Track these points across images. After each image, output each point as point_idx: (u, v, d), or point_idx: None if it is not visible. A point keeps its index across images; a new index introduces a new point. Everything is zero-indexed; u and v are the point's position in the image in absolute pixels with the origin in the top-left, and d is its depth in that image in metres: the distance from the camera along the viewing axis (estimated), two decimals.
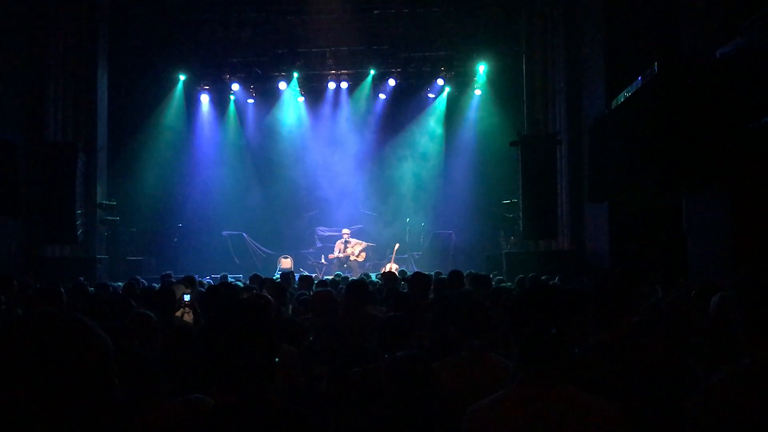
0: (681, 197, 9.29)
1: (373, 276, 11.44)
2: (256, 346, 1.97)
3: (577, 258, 13.07)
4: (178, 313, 5.84)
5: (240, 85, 18.51)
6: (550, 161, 13.75)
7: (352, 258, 17.13)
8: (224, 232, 18.17)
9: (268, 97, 19.04)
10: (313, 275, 14.27)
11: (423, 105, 19.00)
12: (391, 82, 18.23)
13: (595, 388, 2.24)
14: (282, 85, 18.51)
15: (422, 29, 16.37)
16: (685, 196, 9.17)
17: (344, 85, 18.66)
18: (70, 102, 14.36)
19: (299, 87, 18.77)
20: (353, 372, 3.51)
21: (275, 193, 18.68)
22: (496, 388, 2.31)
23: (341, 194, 18.61)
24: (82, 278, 10.12)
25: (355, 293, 5.32)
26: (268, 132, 19.15)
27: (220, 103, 19.16)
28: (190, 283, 7.54)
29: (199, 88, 18.72)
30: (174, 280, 8.90)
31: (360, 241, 17.58)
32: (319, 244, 18.48)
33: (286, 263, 17.12)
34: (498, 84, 17.65)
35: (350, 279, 9.23)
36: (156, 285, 8.45)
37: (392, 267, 15.82)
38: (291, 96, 18.91)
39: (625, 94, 9.60)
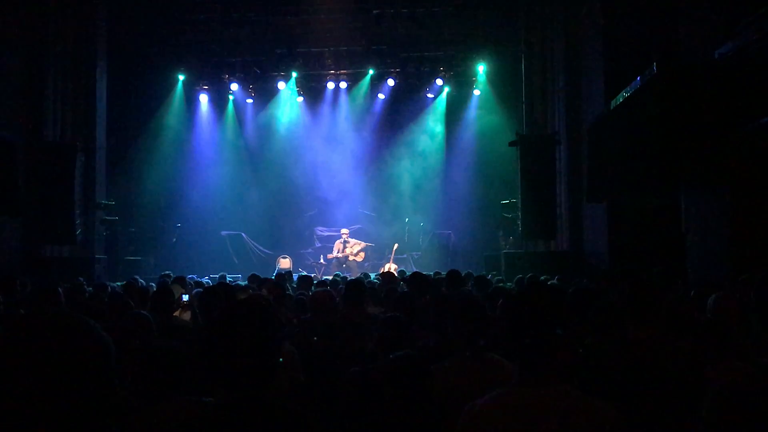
0: (679, 197, 9.30)
1: (372, 276, 11.44)
2: (255, 346, 1.98)
3: (575, 258, 13.08)
4: (177, 313, 5.85)
5: (239, 84, 18.50)
6: (549, 161, 13.76)
7: (351, 258, 17.13)
8: (223, 232, 18.16)
9: (267, 96, 19.04)
10: (312, 275, 14.30)
11: (422, 105, 18.99)
12: (390, 82, 18.22)
13: (628, 384, 2.26)
14: (281, 84, 18.51)
15: (421, 29, 16.37)
16: (683, 197, 9.18)
17: (343, 84, 18.65)
18: (69, 102, 14.37)
19: (298, 87, 18.77)
20: (352, 372, 3.52)
21: (274, 192, 18.68)
22: (492, 388, 2.32)
23: (340, 194, 18.60)
24: (81, 278, 10.12)
25: (353, 293, 5.33)
26: (267, 132, 19.14)
27: (219, 103, 19.15)
28: (182, 283, 7.54)
29: (198, 87, 18.71)
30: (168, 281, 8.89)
31: (359, 241, 17.58)
32: (318, 244, 18.47)
33: (284, 263, 17.11)
34: (497, 84, 17.66)
35: (348, 279, 9.23)
36: (153, 285, 8.46)
37: (391, 267, 15.82)
38: (290, 96, 18.91)
39: (624, 95, 9.61)
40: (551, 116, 14.43)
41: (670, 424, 2.97)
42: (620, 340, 3.36)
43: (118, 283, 9.98)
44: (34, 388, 1.30)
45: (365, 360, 3.74)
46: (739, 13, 7.42)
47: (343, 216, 18.43)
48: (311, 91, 19.06)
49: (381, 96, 18.77)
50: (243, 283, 8.61)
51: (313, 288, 7.58)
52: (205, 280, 11.42)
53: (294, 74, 18.18)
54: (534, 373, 2.13)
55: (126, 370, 3.14)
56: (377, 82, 18.50)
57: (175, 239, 16.91)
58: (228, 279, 11.52)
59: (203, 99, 18.94)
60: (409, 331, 4.19)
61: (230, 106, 19.26)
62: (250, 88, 18.81)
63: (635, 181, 9.50)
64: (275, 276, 9.80)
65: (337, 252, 17.26)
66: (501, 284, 8.70)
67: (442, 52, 17.50)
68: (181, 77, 18.15)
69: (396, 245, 17.06)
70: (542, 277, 9.09)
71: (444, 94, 18.92)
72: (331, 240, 17.95)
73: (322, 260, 17.58)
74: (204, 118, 19.12)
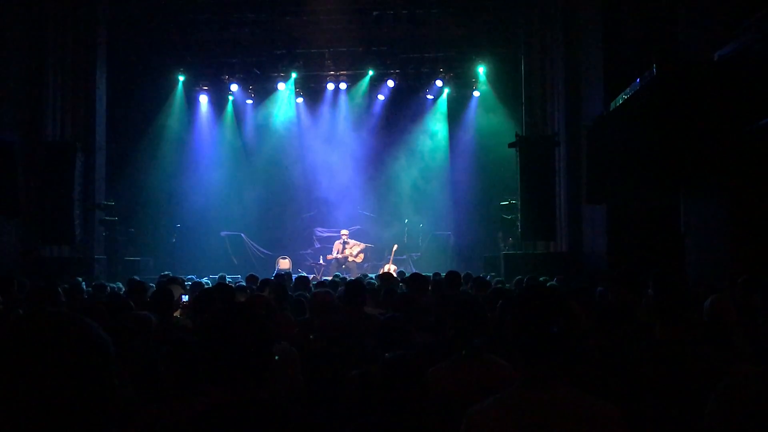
0: (679, 199, 9.30)
1: (371, 276, 11.43)
2: (246, 346, 2.01)
3: (575, 259, 13.08)
4: (177, 314, 5.85)
5: (239, 85, 18.51)
6: (549, 162, 13.76)
7: (350, 259, 17.13)
8: (223, 233, 18.17)
9: (267, 97, 19.06)
10: (311, 276, 14.30)
11: (422, 106, 19.02)
12: (390, 83, 18.24)
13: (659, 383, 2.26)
14: (281, 85, 18.52)
15: (421, 30, 16.38)
16: (682, 198, 9.19)
17: (343, 85, 18.68)
18: (68, 102, 14.37)
19: (298, 88, 18.80)
20: (353, 375, 3.52)
21: (274, 193, 18.70)
22: (493, 390, 2.32)
23: (340, 195, 18.61)
24: (79, 278, 10.12)
25: (353, 294, 5.33)
26: (266, 132, 19.15)
27: (218, 103, 19.17)
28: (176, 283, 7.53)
29: (197, 88, 18.73)
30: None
31: (358, 242, 17.58)
32: (317, 245, 18.48)
33: (284, 264, 17.11)
34: (496, 85, 17.69)
35: (348, 279, 9.23)
36: (152, 285, 8.45)
37: (391, 268, 15.82)
38: (289, 97, 18.92)
39: (623, 96, 9.61)
40: (551, 117, 14.44)
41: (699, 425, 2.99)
42: (648, 340, 3.39)
43: (119, 284, 9.99)
44: (33, 388, 1.30)
45: (365, 361, 3.73)
46: (739, 15, 7.43)
47: (342, 217, 18.44)
48: (311, 92, 19.09)
49: (380, 97, 18.80)
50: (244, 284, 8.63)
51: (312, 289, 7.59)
52: (205, 280, 11.42)
53: (294, 75, 18.20)
54: (538, 375, 2.13)
55: (125, 370, 3.15)
56: (377, 83, 18.53)
57: (174, 239, 16.90)
58: (228, 279, 11.52)
59: (203, 99, 18.96)
60: (408, 331, 4.20)
61: (230, 106, 19.28)
62: (250, 89, 18.82)
63: (635, 183, 9.50)
64: (275, 276, 9.80)
65: (337, 253, 17.26)
66: (500, 285, 8.70)
67: (441, 54, 17.51)
68: (181, 78, 18.17)
69: (395, 246, 17.06)
70: (541, 278, 9.09)
71: (443, 96, 18.94)
72: (331, 241, 17.95)
73: (321, 261, 17.58)
74: (204, 118, 19.14)
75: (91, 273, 12.99)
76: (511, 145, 14.23)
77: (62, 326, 1.39)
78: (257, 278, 9.27)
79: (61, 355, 1.34)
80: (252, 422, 1.93)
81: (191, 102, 18.83)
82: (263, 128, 19.19)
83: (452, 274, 7.47)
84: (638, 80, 8.86)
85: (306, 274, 12.23)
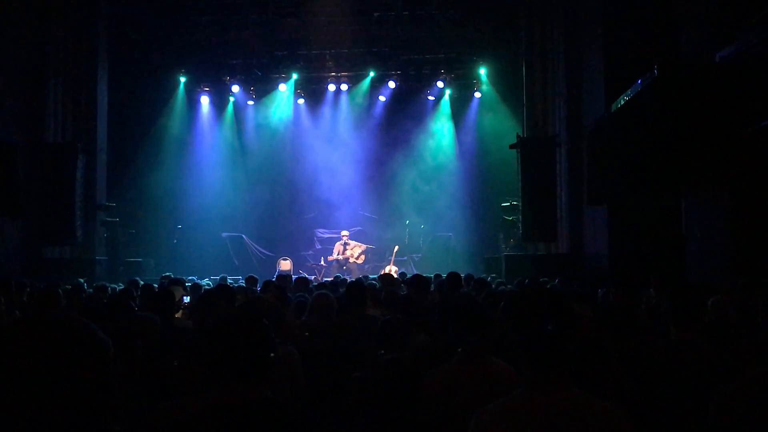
0: (680, 200, 9.30)
1: (372, 278, 11.43)
2: (253, 348, 2.02)
3: (576, 260, 13.07)
4: (178, 315, 5.86)
5: (240, 86, 18.53)
6: (550, 164, 13.76)
7: (351, 260, 17.12)
8: (223, 234, 18.18)
9: (268, 98, 19.06)
10: (312, 277, 14.31)
11: (423, 107, 19.02)
12: (391, 84, 18.25)
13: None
14: (282, 86, 18.53)
15: (422, 32, 16.40)
16: (684, 200, 9.18)
17: (344, 87, 18.68)
18: (70, 103, 14.39)
19: (299, 89, 18.81)
20: (354, 376, 3.53)
21: (275, 194, 18.70)
22: (494, 391, 2.32)
23: (341, 196, 18.60)
24: (81, 279, 10.13)
25: (354, 295, 5.34)
26: (267, 134, 19.16)
27: (219, 104, 19.18)
28: (179, 285, 7.54)
29: (199, 89, 18.74)
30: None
31: (359, 243, 17.57)
32: (318, 246, 18.48)
33: (285, 265, 17.11)
34: (498, 87, 17.70)
35: (349, 281, 9.23)
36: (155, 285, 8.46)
37: (392, 269, 15.82)
38: (291, 98, 18.93)
39: (624, 98, 9.61)
40: (552, 119, 14.44)
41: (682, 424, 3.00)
42: (664, 342, 3.41)
43: (121, 284, 10.00)
44: (33, 389, 1.31)
45: (365, 361, 3.74)
46: (740, 17, 7.43)
47: (343, 218, 18.43)
48: (312, 93, 19.09)
49: (381, 98, 18.80)
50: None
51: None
52: (206, 281, 11.43)
53: (295, 76, 18.21)
54: (544, 378, 2.13)
55: (129, 370, 3.15)
56: (378, 85, 18.54)
57: (175, 241, 16.92)
58: (228, 280, 11.53)
59: (204, 101, 18.97)
60: (407, 332, 4.20)
61: (231, 108, 19.28)
62: (251, 90, 18.84)
63: (636, 184, 9.49)
64: (276, 278, 9.81)
65: (338, 254, 17.26)
66: (502, 287, 8.70)
67: (442, 55, 17.52)
68: (182, 79, 18.19)
69: (396, 247, 17.06)
70: (541, 280, 9.08)
71: (445, 97, 18.95)
72: (332, 242, 17.94)
73: (322, 262, 17.58)
74: (205, 119, 19.15)
75: (92, 274, 13.00)
76: (512, 147, 14.23)
77: (62, 328, 1.39)
78: (257, 279, 9.29)
79: (59, 356, 1.34)
80: (257, 422, 1.94)
81: (192, 103, 18.85)
82: (264, 129, 19.20)
83: (453, 276, 7.47)
84: (639, 81, 8.86)
85: (306, 276, 12.23)
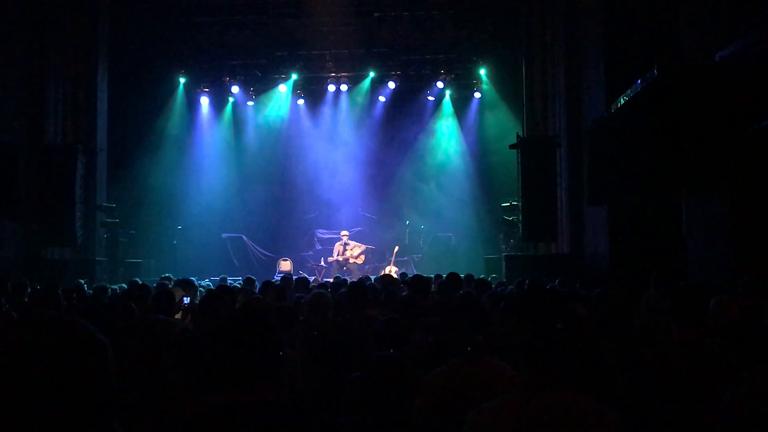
0: (680, 200, 9.29)
1: (373, 278, 11.43)
2: (259, 350, 2.01)
3: (576, 260, 13.07)
4: (178, 316, 5.85)
5: (240, 87, 18.53)
6: (550, 164, 13.75)
7: (351, 260, 17.12)
8: (224, 235, 18.18)
9: (268, 99, 19.07)
10: (312, 278, 14.30)
11: (423, 108, 19.02)
12: (391, 84, 18.24)
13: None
14: (282, 87, 18.54)
15: (422, 32, 16.40)
16: (684, 200, 9.17)
17: (344, 87, 18.67)
18: (69, 104, 14.38)
19: (299, 89, 18.81)
20: (353, 377, 3.51)
21: (275, 195, 18.69)
22: (494, 392, 2.32)
23: (341, 196, 18.61)
24: (81, 280, 10.12)
25: (356, 296, 5.33)
26: (267, 134, 19.17)
27: (219, 105, 19.19)
28: (188, 286, 7.54)
29: (198, 90, 18.74)
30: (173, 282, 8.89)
31: (359, 244, 17.57)
32: (318, 247, 18.48)
33: (285, 266, 17.11)
34: (498, 87, 17.70)
35: (349, 281, 9.23)
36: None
37: (392, 269, 15.82)
38: (290, 98, 18.93)
39: (624, 98, 9.61)
40: (552, 119, 14.43)
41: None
42: (665, 342, 3.41)
43: (123, 285, 10.00)
44: (32, 390, 1.30)
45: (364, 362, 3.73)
46: (741, 16, 7.42)
47: (343, 218, 18.44)
48: (312, 94, 19.09)
49: (382, 98, 18.80)
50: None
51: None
52: (206, 282, 11.43)
53: (294, 77, 18.21)
54: (541, 378, 2.13)
55: (124, 370, 3.15)
56: (378, 85, 18.54)
57: (175, 241, 16.91)
58: (229, 281, 11.53)
59: (204, 101, 18.97)
60: (408, 333, 4.19)
61: (231, 108, 19.28)
62: (251, 91, 18.84)
63: (636, 184, 9.49)
64: (281, 279, 9.83)
65: (338, 254, 17.26)
66: (502, 287, 8.70)
67: (443, 55, 17.51)
68: (182, 80, 18.20)
69: (397, 248, 17.06)
70: (541, 280, 9.07)
71: (445, 97, 18.95)
72: (332, 242, 17.94)
73: (322, 263, 17.58)
74: (205, 120, 19.15)
75: (92, 275, 13.00)
76: (512, 147, 14.23)
77: (60, 329, 1.39)
78: (254, 281, 9.34)
79: (59, 357, 1.34)
80: (261, 423, 1.94)
81: (192, 104, 18.85)
82: (264, 130, 19.20)
83: (453, 276, 7.46)
84: (639, 81, 8.86)
85: (306, 276, 12.23)
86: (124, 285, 9.89)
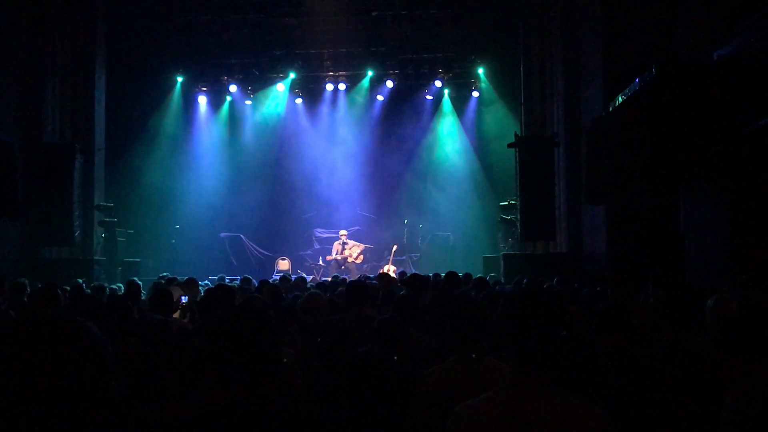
0: (678, 199, 9.30)
1: (371, 277, 11.43)
2: (257, 349, 2.02)
3: (574, 259, 13.08)
4: (176, 315, 5.85)
5: (238, 86, 18.52)
6: (548, 163, 13.76)
7: (350, 260, 17.13)
8: (222, 234, 18.18)
9: (266, 98, 19.06)
10: (311, 277, 14.31)
11: (421, 107, 19.02)
12: (389, 83, 18.25)
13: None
14: (280, 86, 18.53)
15: (420, 31, 16.40)
16: (682, 198, 9.19)
17: (342, 86, 18.68)
18: (67, 103, 14.37)
19: (297, 88, 18.80)
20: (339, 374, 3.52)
21: (273, 194, 18.70)
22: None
23: (339, 195, 18.61)
24: (79, 280, 10.11)
25: (354, 295, 5.33)
26: (265, 133, 19.16)
27: (217, 104, 19.18)
28: (193, 285, 7.55)
29: (196, 89, 18.73)
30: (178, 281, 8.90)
31: (357, 243, 17.58)
32: (317, 246, 18.48)
33: (283, 265, 17.11)
34: (496, 86, 17.71)
35: (348, 280, 9.24)
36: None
37: (390, 269, 15.82)
38: (288, 97, 18.92)
39: (622, 97, 9.61)
40: (550, 118, 14.44)
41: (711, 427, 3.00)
42: (659, 343, 3.41)
43: (120, 284, 10.00)
44: (31, 389, 1.30)
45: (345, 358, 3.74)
46: (738, 15, 7.43)
47: (342, 217, 18.45)
48: (310, 93, 19.09)
49: (380, 97, 18.80)
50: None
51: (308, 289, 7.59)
52: (204, 282, 11.42)
53: (292, 76, 18.21)
54: (529, 375, 2.14)
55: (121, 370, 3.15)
56: (376, 84, 18.54)
57: (173, 241, 16.90)
58: (227, 280, 11.53)
59: (202, 101, 18.96)
60: (405, 332, 4.20)
61: (229, 107, 19.27)
62: (249, 90, 18.83)
63: (634, 183, 9.50)
64: (280, 278, 9.84)
65: (336, 254, 17.26)
66: (498, 286, 8.70)
67: (440, 54, 17.52)
68: (180, 79, 18.18)
69: (395, 247, 17.07)
70: (539, 279, 9.08)
71: (443, 96, 18.95)
72: (330, 242, 17.95)
73: (321, 262, 17.58)
74: (203, 119, 19.15)
75: (90, 274, 12.99)
76: (510, 146, 14.23)
77: (59, 328, 1.39)
78: (251, 280, 9.37)
79: (57, 356, 1.34)
80: (258, 422, 1.94)
81: (190, 103, 18.84)
82: (262, 129, 19.20)
83: (451, 275, 7.47)
84: (637, 80, 8.86)
85: (305, 275, 12.24)
86: (120, 284, 9.90)
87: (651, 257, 9.94)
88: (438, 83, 18.26)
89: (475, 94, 18.36)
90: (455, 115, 19.01)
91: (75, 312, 5.07)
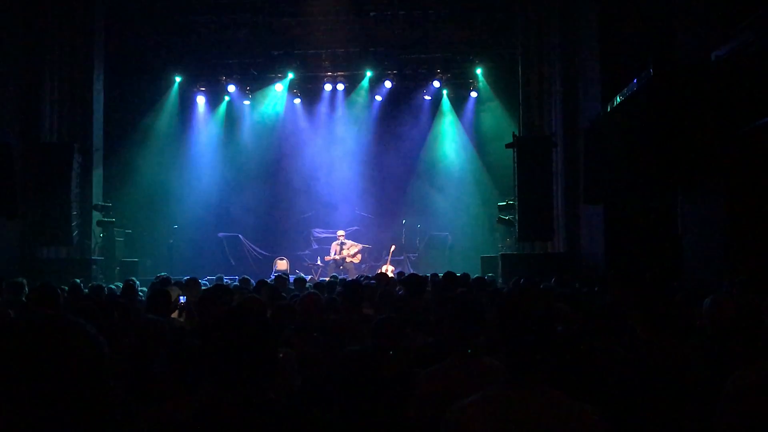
0: (676, 199, 9.32)
1: (370, 277, 11.43)
2: (254, 348, 2.02)
3: (572, 259, 13.10)
4: (174, 315, 5.85)
5: (236, 86, 18.50)
6: (546, 163, 13.77)
7: (348, 260, 17.12)
8: (220, 234, 18.17)
9: (264, 98, 19.05)
10: (309, 277, 14.29)
11: (419, 107, 19.02)
12: (387, 83, 18.24)
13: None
14: (278, 86, 18.52)
15: (418, 31, 16.40)
16: (680, 198, 9.20)
17: (340, 86, 18.67)
18: (65, 103, 14.34)
19: (295, 88, 18.79)
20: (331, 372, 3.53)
21: (271, 194, 18.69)
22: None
23: (337, 195, 18.61)
24: (77, 280, 10.11)
25: (351, 295, 5.34)
26: (263, 133, 19.14)
27: (216, 104, 19.17)
28: (194, 285, 7.55)
29: (195, 89, 18.71)
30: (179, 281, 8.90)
31: (355, 243, 17.57)
32: (315, 246, 18.48)
33: (281, 265, 17.10)
34: (494, 86, 17.72)
35: (346, 280, 9.25)
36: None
37: (388, 269, 15.82)
38: (287, 97, 18.92)
39: (620, 97, 9.63)
40: (548, 118, 14.43)
41: (684, 425, 3.00)
42: (632, 342, 3.40)
43: (119, 283, 9.99)
44: (29, 389, 1.30)
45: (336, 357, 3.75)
46: (736, 16, 7.45)
47: (340, 217, 18.44)
48: (308, 93, 19.08)
49: (378, 98, 18.79)
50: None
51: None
52: (202, 282, 11.41)
53: (291, 76, 18.20)
54: (521, 374, 2.15)
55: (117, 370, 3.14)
56: (374, 84, 18.53)
57: (172, 241, 16.89)
58: (225, 280, 11.52)
59: (200, 100, 18.95)
60: (402, 332, 4.20)
61: (227, 107, 19.26)
62: (247, 90, 18.83)
63: (632, 183, 9.52)
64: (274, 278, 9.83)
65: (334, 254, 17.26)
66: (494, 286, 8.71)
67: (439, 54, 17.52)
68: (178, 79, 18.16)
69: (393, 247, 17.07)
70: (536, 279, 9.09)
71: (441, 96, 18.96)
72: (329, 242, 17.94)
73: (319, 262, 17.58)
74: (201, 119, 19.13)
75: (88, 274, 12.98)
76: (508, 146, 14.24)
77: (57, 328, 1.39)
78: (249, 280, 9.37)
79: (55, 356, 1.34)
80: (256, 422, 1.94)
81: (188, 103, 18.82)
82: (260, 129, 19.18)
83: (449, 275, 7.48)
84: (635, 81, 8.88)
85: (304, 275, 12.23)
86: (119, 284, 9.89)
87: (648, 257, 9.96)
88: (436, 83, 18.25)
89: (474, 94, 18.35)
90: (454, 115, 19.02)
91: (72, 312, 5.07)
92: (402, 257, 17.61)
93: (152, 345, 3.84)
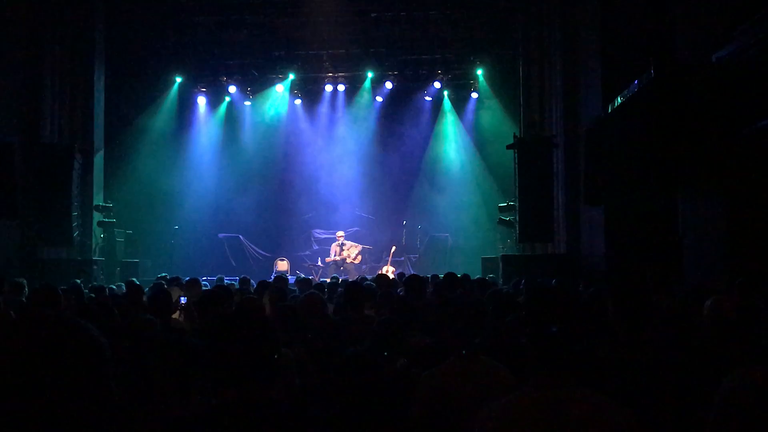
0: (677, 201, 9.32)
1: (369, 278, 11.43)
2: (256, 349, 2.02)
3: (573, 260, 13.09)
4: (175, 316, 5.86)
5: (237, 87, 18.51)
6: (547, 164, 13.77)
7: (348, 261, 17.12)
8: (220, 235, 18.17)
9: (265, 99, 19.05)
10: (310, 278, 14.29)
11: (420, 108, 19.02)
12: (388, 84, 18.24)
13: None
14: (279, 87, 18.52)
15: (419, 32, 16.41)
16: (680, 200, 9.20)
17: (341, 87, 18.67)
18: (66, 103, 14.37)
19: (296, 89, 18.79)
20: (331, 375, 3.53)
21: (271, 195, 18.69)
22: (490, 393, 2.32)
23: (338, 196, 18.61)
24: (78, 280, 10.11)
25: (352, 295, 5.34)
26: (264, 134, 19.15)
27: (216, 105, 19.17)
28: (195, 285, 7.56)
29: (195, 90, 18.71)
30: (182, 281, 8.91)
31: (355, 244, 17.57)
32: (315, 247, 18.48)
33: (282, 266, 17.10)
34: (495, 87, 17.72)
35: (347, 281, 9.25)
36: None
37: (389, 269, 15.82)
38: (288, 98, 18.92)
39: (621, 98, 9.62)
40: (549, 119, 14.45)
41: (669, 426, 2.99)
42: (612, 341, 3.38)
43: (120, 283, 10.00)
44: (29, 390, 1.31)
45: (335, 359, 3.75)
46: (737, 17, 7.44)
47: (341, 218, 18.45)
48: (309, 94, 19.08)
49: (379, 99, 18.80)
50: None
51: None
52: (203, 282, 11.40)
53: (292, 76, 18.20)
54: (552, 376, 2.12)
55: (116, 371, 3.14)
56: (375, 85, 18.54)
57: (172, 241, 16.90)
58: (226, 281, 11.52)
59: (201, 101, 18.94)
60: (403, 333, 4.20)
61: (228, 108, 19.26)
62: (248, 91, 18.83)
63: (632, 184, 9.51)
64: (274, 279, 9.83)
65: (334, 255, 17.26)
66: (494, 287, 8.70)
67: (440, 55, 17.52)
68: (179, 79, 18.15)
69: (394, 248, 17.07)
70: (538, 280, 9.09)
71: (442, 97, 18.96)
72: (329, 242, 17.94)
73: (319, 263, 17.58)
74: (201, 120, 19.13)
75: (88, 275, 12.98)
76: (509, 147, 14.24)
77: (58, 328, 1.39)
78: (249, 280, 9.38)
79: (58, 357, 1.34)
80: (256, 422, 1.94)
81: (189, 104, 18.82)
82: (261, 130, 19.18)
83: (450, 276, 7.48)
84: (636, 82, 8.87)
85: (306, 276, 12.24)
86: (122, 284, 9.90)
87: (649, 259, 9.95)
88: (437, 84, 18.25)
89: (474, 95, 18.35)
90: (454, 116, 19.02)
91: (73, 312, 5.08)
92: (402, 258, 17.61)
93: (144, 345, 3.84)
